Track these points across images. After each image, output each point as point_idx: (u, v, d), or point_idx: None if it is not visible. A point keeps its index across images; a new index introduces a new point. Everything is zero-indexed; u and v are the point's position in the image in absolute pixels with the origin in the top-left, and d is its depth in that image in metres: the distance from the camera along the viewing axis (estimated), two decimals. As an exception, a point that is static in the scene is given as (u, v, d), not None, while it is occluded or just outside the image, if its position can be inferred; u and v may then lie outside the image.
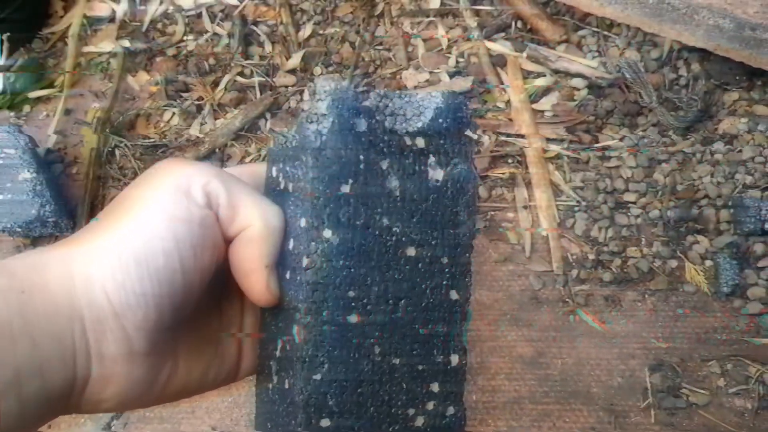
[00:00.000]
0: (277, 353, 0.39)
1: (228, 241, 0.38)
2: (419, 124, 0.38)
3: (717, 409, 1.09)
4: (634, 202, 1.23)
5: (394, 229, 0.37)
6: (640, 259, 1.19)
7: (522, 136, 1.29)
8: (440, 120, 0.38)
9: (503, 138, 1.30)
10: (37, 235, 1.25)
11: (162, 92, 1.38)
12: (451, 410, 0.39)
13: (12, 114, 1.40)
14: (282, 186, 0.39)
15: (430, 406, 0.39)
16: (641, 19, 1.24)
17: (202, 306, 0.39)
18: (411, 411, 0.38)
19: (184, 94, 1.38)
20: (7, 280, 0.33)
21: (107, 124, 1.35)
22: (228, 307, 0.42)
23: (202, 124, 1.35)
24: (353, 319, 0.37)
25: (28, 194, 1.21)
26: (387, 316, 0.37)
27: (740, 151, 1.24)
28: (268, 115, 1.35)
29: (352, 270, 0.37)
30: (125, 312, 0.34)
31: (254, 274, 0.37)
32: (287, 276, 0.38)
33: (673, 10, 1.22)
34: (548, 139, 1.29)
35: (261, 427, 0.42)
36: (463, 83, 1.33)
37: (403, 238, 0.37)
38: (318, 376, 0.36)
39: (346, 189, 0.36)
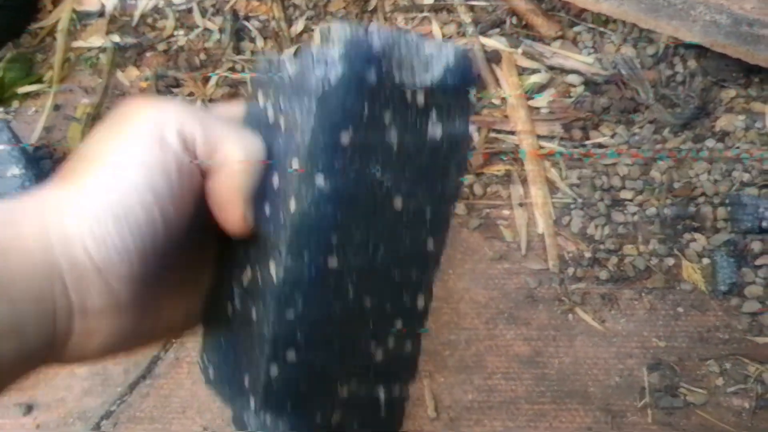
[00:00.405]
0: (245, 282, 0.39)
1: (206, 177, 0.37)
2: (428, 79, 0.37)
3: (715, 408, 1.08)
4: (631, 200, 1.22)
5: (384, 180, 0.37)
6: (637, 257, 1.18)
7: (516, 133, 1.28)
8: (448, 77, 0.37)
9: (499, 135, 1.28)
10: (25, 232, 1.23)
11: (152, 88, 1.36)
12: (408, 346, 0.41)
13: (0, 109, 1.38)
14: (272, 120, 0.38)
15: (391, 342, 0.40)
16: (637, 15, 1.23)
17: (183, 248, 0.38)
18: (373, 346, 0.40)
19: (175, 90, 1.36)
20: None
21: (97, 120, 1.32)
22: (207, 244, 0.41)
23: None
24: (333, 263, 0.37)
25: (16, 190, 1.19)
26: (366, 262, 0.38)
27: (737, 148, 1.23)
28: (260, 111, 1.33)
29: (339, 217, 0.36)
30: (108, 267, 0.33)
31: (230, 205, 0.36)
32: (267, 211, 0.37)
33: (669, 6, 1.21)
34: (543, 136, 1.28)
35: (210, 346, 0.42)
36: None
37: (393, 190, 0.37)
38: (290, 315, 0.37)
39: (345, 139, 0.35)
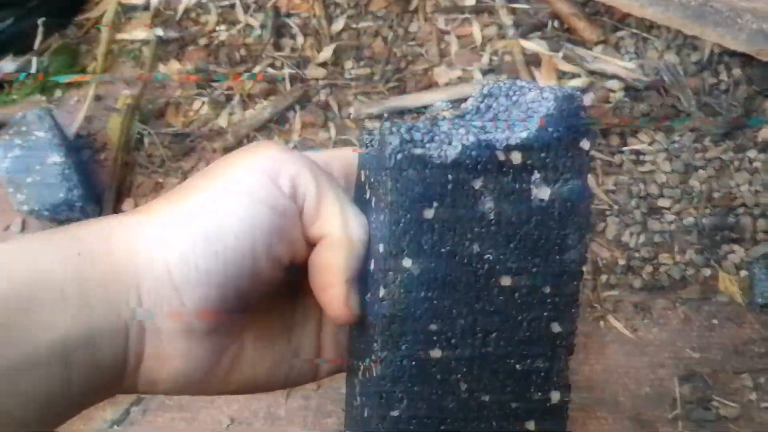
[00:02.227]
0: (359, 376, 0.36)
1: (307, 242, 0.35)
2: (524, 134, 0.33)
3: (747, 422, 1.06)
4: (668, 208, 1.20)
5: (486, 256, 0.33)
6: (672, 266, 1.16)
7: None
8: (549, 129, 0.33)
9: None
10: (64, 218, 1.25)
11: (192, 81, 1.38)
12: None
13: (43, 98, 1.41)
14: (367, 196, 0.35)
15: None
16: (682, 21, 1.21)
17: (278, 298, 0.37)
18: None
19: (214, 84, 1.38)
20: (68, 242, 0.31)
21: (136, 112, 1.34)
22: (309, 304, 0.39)
23: (230, 114, 1.35)
24: (435, 353, 0.34)
25: (56, 178, 1.21)
26: (475, 351, 0.34)
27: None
28: (297, 108, 1.34)
29: (435, 302, 0.33)
30: (184, 287, 0.32)
31: (333, 289, 0.34)
32: (368, 298, 0.35)
33: (715, 13, 1.19)
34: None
35: None
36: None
37: (497, 266, 0.33)
38: (396, 413, 0.34)
39: (429, 214, 0.32)
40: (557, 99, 0.33)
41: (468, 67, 1.34)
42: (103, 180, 1.30)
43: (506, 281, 0.34)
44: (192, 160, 1.30)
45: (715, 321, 1.13)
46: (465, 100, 0.37)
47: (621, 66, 1.30)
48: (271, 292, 0.35)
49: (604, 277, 1.17)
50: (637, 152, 1.24)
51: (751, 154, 1.22)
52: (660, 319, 1.14)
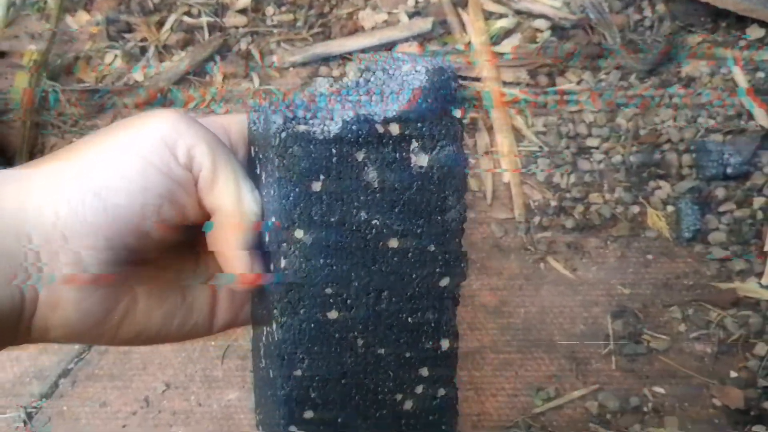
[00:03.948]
0: (263, 340, 0.39)
1: (203, 210, 0.36)
2: (399, 107, 0.35)
3: (677, 354, 1.10)
4: (597, 147, 1.21)
5: (373, 222, 0.36)
6: (603, 205, 1.17)
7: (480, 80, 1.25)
8: (423, 101, 0.35)
9: (464, 82, 1.25)
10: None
11: (103, 33, 1.30)
12: (441, 391, 0.39)
13: (-60, 57, 1.31)
14: (258, 171, 0.37)
15: (419, 389, 0.38)
16: (606, -43, 1.20)
17: (173, 255, 0.39)
18: (399, 396, 0.38)
19: (127, 35, 1.30)
20: None
21: (44, 68, 1.26)
22: (205, 262, 0.40)
23: (146, 67, 1.28)
24: (332, 315, 0.36)
25: (-41, 143, 1.14)
26: (370, 309, 0.36)
27: (700, 94, 1.22)
28: (217, 58, 1.28)
29: (330, 268, 0.36)
30: (75, 235, 0.33)
31: (234, 260, 0.36)
32: (271, 266, 0.37)
33: (638, -52, 1.18)
34: (509, 83, 1.25)
35: (257, 404, 0.42)
36: (422, 24, 1.28)
37: (385, 230, 0.36)
38: (298, 372, 0.36)
39: (317, 186, 0.34)
40: (428, 72, 0.36)
41: (394, 10, 1.30)
42: (13, 142, 1.23)
43: (394, 243, 0.36)
44: (107, 117, 1.24)
45: (645, 257, 1.15)
46: (391, 46, 0.37)
47: (547, 5, 1.28)
48: (165, 250, 0.37)
49: (536, 219, 1.17)
50: (565, 92, 1.24)
51: (675, 90, 1.23)
52: (593, 258, 1.15)
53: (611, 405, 1.07)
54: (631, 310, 1.12)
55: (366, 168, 0.35)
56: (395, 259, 0.36)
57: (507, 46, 1.28)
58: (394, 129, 0.35)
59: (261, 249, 0.37)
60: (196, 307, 0.40)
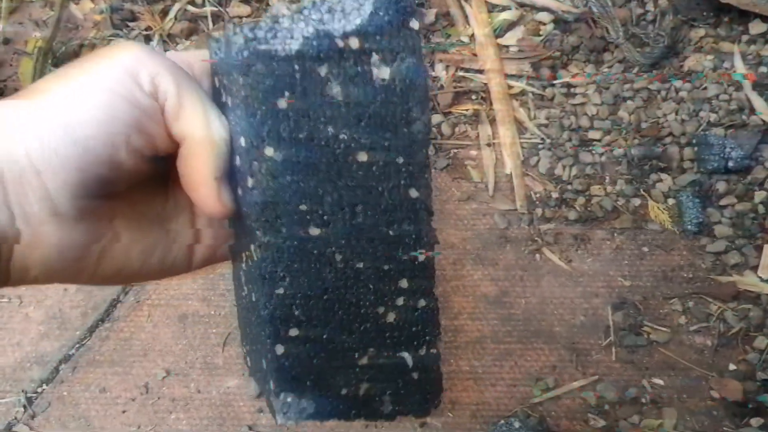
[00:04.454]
0: (244, 266, 0.39)
1: (171, 139, 0.36)
2: (358, 21, 0.35)
3: (677, 346, 1.10)
4: (599, 140, 1.21)
5: (341, 136, 0.36)
6: (604, 197, 1.17)
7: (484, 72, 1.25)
8: (381, 14, 0.36)
9: (467, 74, 1.26)
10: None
11: (107, 21, 1.30)
12: (422, 302, 0.39)
13: (-56, 43, 1.31)
14: (224, 99, 0.37)
15: (400, 301, 0.39)
16: (610, -50, 1.20)
17: (150, 188, 0.39)
18: (381, 309, 0.39)
19: (131, 24, 1.30)
20: None
21: (49, 55, 1.26)
22: (181, 195, 0.40)
23: (150, 56, 1.28)
24: (310, 231, 0.37)
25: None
26: (346, 224, 0.37)
27: (705, 88, 1.22)
28: (221, 47, 1.28)
29: (301, 184, 0.36)
30: (47, 170, 0.32)
31: (203, 188, 0.36)
32: (239, 192, 0.37)
33: (642, -59, 1.18)
34: (512, 75, 1.25)
35: (243, 337, 0.43)
36: (425, 15, 1.28)
37: (353, 144, 0.36)
38: (280, 291, 0.37)
39: (283, 104, 0.35)
40: None
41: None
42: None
43: (362, 157, 0.37)
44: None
45: (645, 249, 1.15)
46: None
47: (550, -3, 1.28)
48: (140, 182, 0.37)
49: (538, 211, 1.17)
50: (568, 85, 1.24)
51: (677, 83, 1.23)
52: (594, 250, 1.16)
53: (610, 396, 1.07)
54: (632, 301, 1.12)
55: (329, 83, 0.35)
56: (360, 172, 0.37)
57: (510, 38, 1.28)
58: (354, 43, 0.35)
59: (233, 176, 0.37)
60: (177, 241, 0.40)
